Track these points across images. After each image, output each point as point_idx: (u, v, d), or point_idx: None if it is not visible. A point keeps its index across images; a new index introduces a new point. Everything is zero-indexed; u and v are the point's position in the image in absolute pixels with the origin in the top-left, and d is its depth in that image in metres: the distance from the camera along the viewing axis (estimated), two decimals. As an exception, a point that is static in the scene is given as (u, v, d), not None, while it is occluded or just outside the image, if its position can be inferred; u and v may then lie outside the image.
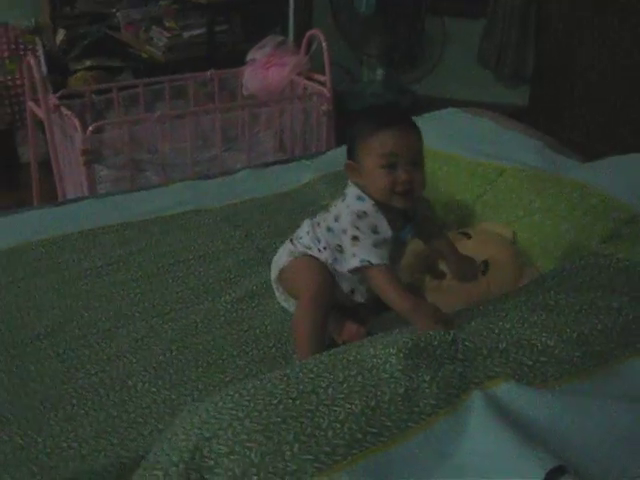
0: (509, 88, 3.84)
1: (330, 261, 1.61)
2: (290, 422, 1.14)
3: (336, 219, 1.57)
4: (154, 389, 1.51)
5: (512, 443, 1.10)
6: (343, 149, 2.73)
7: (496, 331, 1.38)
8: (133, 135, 2.97)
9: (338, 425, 1.13)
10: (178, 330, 1.70)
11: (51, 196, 3.08)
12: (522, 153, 2.34)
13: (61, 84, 4.25)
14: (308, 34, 3.29)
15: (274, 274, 1.73)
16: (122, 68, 4.48)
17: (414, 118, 2.72)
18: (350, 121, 1.60)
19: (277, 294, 1.76)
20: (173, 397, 1.49)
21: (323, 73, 3.23)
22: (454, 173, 2.39)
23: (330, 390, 1.21)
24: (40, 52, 4.26)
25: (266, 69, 3.28)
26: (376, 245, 1.47)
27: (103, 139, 2.84)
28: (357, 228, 1.49)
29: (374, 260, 1.46)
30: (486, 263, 1.78)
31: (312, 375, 1.25)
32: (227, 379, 1.53)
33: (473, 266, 1.69)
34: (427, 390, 1.21)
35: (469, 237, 1.91)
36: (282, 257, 1.71)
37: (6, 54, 4.18)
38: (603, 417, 1.19)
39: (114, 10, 4.48)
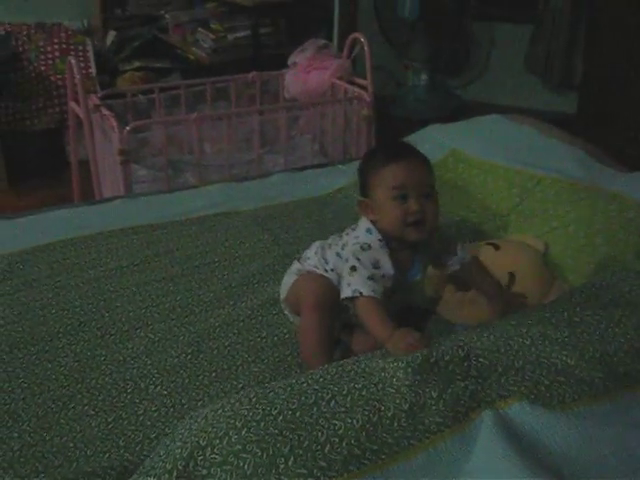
0: (557, 95, 3.74)
1: (336, 283, 1.59)
2: (287, 434, 1.11)
3: (344, 247, 1.59)
4: (165, 392, 1.50)
5: (520, 468, 1.05)
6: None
7: (515, 347, 1.32)
8: (172, 136, 2.98)
9: (336, 440, 1.09)
10: (195, 334, 1.68)
11: (91, 195, 3.11)
12: (561, 162, 2.27)
13: (109, 84, 4.33)
14: (350, 38, 3.26)
15: (282, 295, 1.71)
16: (171, 69, 4.52)
17: (458, 123, 2.76)
18: (363, 157, 1.66)
19: (287, 313, 1.73)
20: (184, 401, 1.47)
21: (366, 77, 3.19)
22: (491, 181, 2.33)
23: (332, 403, 1.17)
24: (90, 53, 4.34)
25: (307, 72, 3.26)
26: (372, 278, 1.46)
27: (140, 139, 2.86)
28: (358, 259, 1.48)
29: (365, 291, 1.44)
30: (512, 275, 1.72)
31: (317, 386, 1.22)
32: (240, 385, 1.51)
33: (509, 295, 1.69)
34: (434, 407, 1.15)
35: (497, 248, 1.85)
36: (290, 277, 1.70)
37: (57, 54, 4.26)
38: (620, 446, 1.12)
39: (163, 12, 4.53)
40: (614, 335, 1.37)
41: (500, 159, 2.37)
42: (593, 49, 3.49)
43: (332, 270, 1.61)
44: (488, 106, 3.42)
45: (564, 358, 1.29)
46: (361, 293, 1.43)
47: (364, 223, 1.56)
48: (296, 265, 1.71)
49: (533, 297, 1.70)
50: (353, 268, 1.47)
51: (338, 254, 1.61)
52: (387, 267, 1.50)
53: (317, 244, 1.70)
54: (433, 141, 2.67)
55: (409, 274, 1.60)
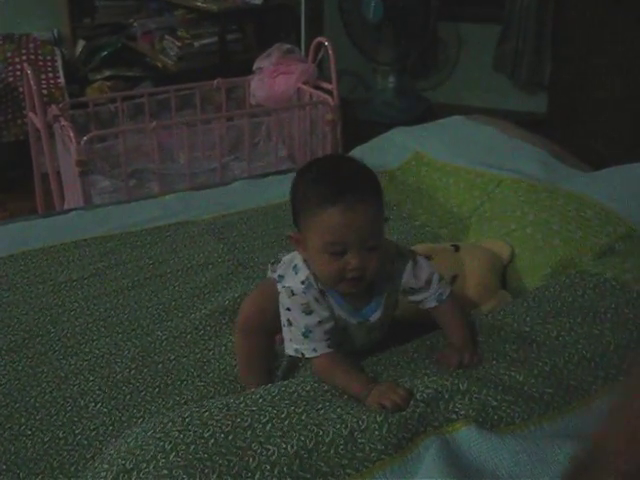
0: (527, 95, 3.72)
1: None
2: (217, 459, 1.06)
3: (280, 280, 1.36)
4: (105, 410, 1.46)
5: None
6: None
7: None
8: (138, 145, 2.94)
9: (268, 467, 1.04)
10: (141, 348, 1.64)
11: (54, 208, 3.07)
12: (523, 163, 2.24)
13: (79, 94, 4.29)
14: (315, 42, 3.23)
15: None
16: (141, 78, 4.48)
17: (421, 125, 2.73)
18: (295, 177, 1.32)
19: None
20: (123, 419, 1.43)
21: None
22: (453, 184, 2.31)
23: (269, 426, 1.12)
24: (59, 62, 4.29)
25: (273, 78, 3.23)
26: (307, 334, 1.26)
27: (102, 149, 2.82)
28: (289, 310, 1.28)
29: (307, 353, 1.27)
30: (454, 277, 1.68)
31: (254, 407, 1.17)
32: (183, 401, 1.46)
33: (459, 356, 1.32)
34: (376, 432, 1.10)
35: (457, 249, 1.82)
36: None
37: (26, 65, 4.19)
38: None
39: (132, 21, 4.49)
40: (564, 345, 1.33)
41: (462, 161, 2.35)
42: (561, 47, 3.48)
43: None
44: (457, 108, 3.39)
45: (512, 374, 1.25)
46: (303, 354, 1.27)
47: (295, 256, 1.34)
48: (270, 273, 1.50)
49: (467, 302, 1.66)
50: (288, 322, 1.29)
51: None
52: (319, 310, 1.27)
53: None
54: (397, 144, 2.65)
55: (365, 311, 1.34)
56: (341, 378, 1.23)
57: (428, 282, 1.36)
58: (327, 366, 1.26)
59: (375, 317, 1.34)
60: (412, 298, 1.38)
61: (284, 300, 1.29)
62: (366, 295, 1.33)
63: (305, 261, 1.30)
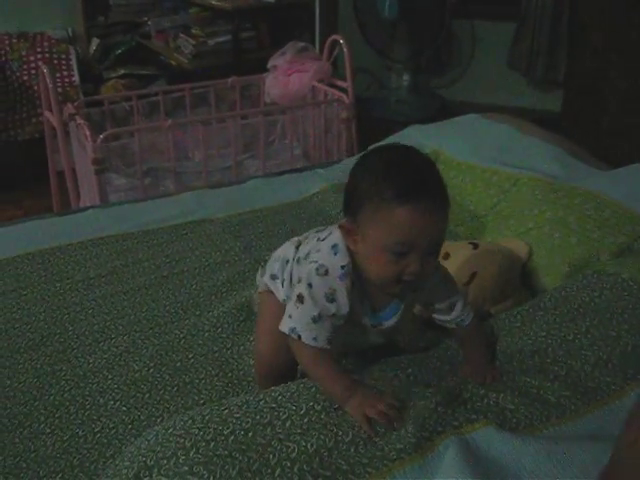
0: (542, 93, 3.70)
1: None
2: (237, 456, 1.06)
3: (307, 257, 1.29)
4: (124, 408, 1.46)
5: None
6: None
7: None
8: (153, 144, 2.95)
9: (288, 463, 1.05)
10: (159, 346, 1.64)
11: (70, 205, 3.08)
12: (540, 161, 2.24)
13: (94, 92, 4.30)
14: (330, 40, 3.22)
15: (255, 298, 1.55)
16: (156, 76, 4.49)
17: (437, 124, 2.72)
18: (356, 165, 1.22)
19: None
20: (142, 418, 1.43)
21: (346, 79, 3.16)
22: (470, 182, 2.30)
23: (288, 423, 1.13)
24: (73, 61, 4.30)
25: (287, 76, 3.23)
26: (317, 320, 1.18)
27: (117, 147, 2.83)
28: (309, 286, 1.19)
29: (304, 338, 1.18)
30: (474, 274, 1.68)
31: (274, 405, 1.17)
32: (201, 401, 1.47)
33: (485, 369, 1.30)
34: (394, 433, 1.10)
35: (475, 247, 1.81)
36: (260, 282, 1.50)
37: (40, 63, 4.20)
38: (594, 466, 1.05)
39: (146, 19, 4.50)
40: (581, 348, 1.33)
41: (478, 159, 2.34)
42: (576, 46, 3.46)
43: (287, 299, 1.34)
44: (472, 105, 3.39)
45: (528, 379, 1.25)
46: (299, 337, 1.19)
47: (336, 236, 1.23)
48: (260, 277, 1.49)
49: (489, 300, 1.67)
50: (300, 298, 1.19)
51: (299, 260, 1.34)
52: (342, 303, 1.19)
53: (283, 251, 1.42)
54: (413, 142, 2.62)
55: (381, 315, 1.28)
56: (325, 377, 1.19)
57: (452, 305, 1.31)
58: (316, 359, 1.20)
59: (389, 324, 1.29)
60: (438, 317, 1.35)
61: (310, 275, 1.19)
62: (387, 298, 1.27)
63: (347, 249, 1.21)
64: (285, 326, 1.21)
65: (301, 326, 1.19)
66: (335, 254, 1.20)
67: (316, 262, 1.20)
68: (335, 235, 1.24)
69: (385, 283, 1.19)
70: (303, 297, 1.19)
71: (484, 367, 1.29)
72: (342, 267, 1.19)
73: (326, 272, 1.19)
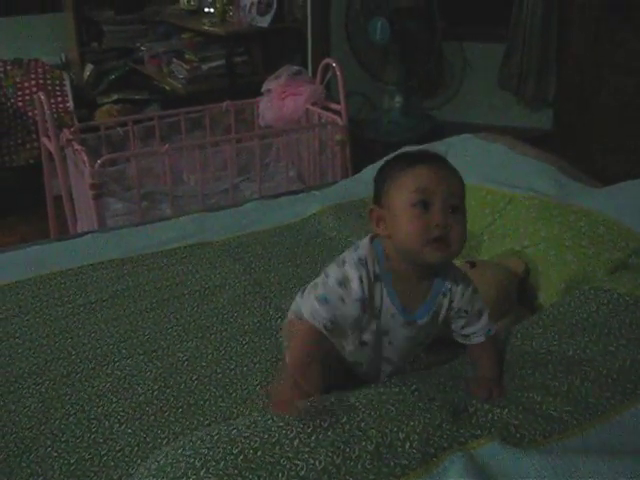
0: (532, 112, 3.75)
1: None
2: (246, 475, 1.08)
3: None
4: (130, 431, 1.47)
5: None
6: (353, 179, 2.74)
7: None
8: (149, 168, 2.97)
9: (297, 481, 1.07)
10: (163, 369, 1.65)
11: (67, 231, 3.09)
12: (533, 179, 2.27)
13: (88, 118, 4.33)
14: (323, 63, 3.27)
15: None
16: (149, 101, 4.54)
17: (430, 144, 2.76)
18: (383, 165, 1.36)
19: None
20: (148, 440, 1.44)
21: (340, 102, 3.20)
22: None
23: (296, 442, 1.14)
24: (67, 87, 4.34)
25: (281, 99, 3.27)
26: (321, 300, 1.25)
27: (114, 172, 2.85)
28: (326, 275, 1.28)
29: (305, 312, 1.26)
30: None
31: (281, 423, 1.18)
32: (207, 422, 1.47)
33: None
34: (399, 448, 1.12)
35: (473, 266, 1.84)
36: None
37: (35, 89, 4.24)
38: (596, 476, 1.08)
39: (139, 44, 4.55)
40: (580, 363, 1.35)
41: (472, 179, 2.34)
42: (565, 64, 3.51)
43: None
44: (463, 126, 3.41)
45: (530, 395, 1.27)
46: (300, 313, 1.28)
47: (360, 243, 1.33)
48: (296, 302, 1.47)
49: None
50: (315, 285, 1.30)
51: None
52: (354, 289, 1.25)
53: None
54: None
55: (415, 314, 1.32)
56: (296, 358, 1.24)
57: (480, 312, 1.37)
58: (303, 338, 1.26)
59: (423, 321, 1.33)
60: (463, 332, 1.38)
61: (331, 268, 1.29)
62: (420, 293, 1.32)
63: (370, 243, 1.31)
64: (294, 305, 1.33)
65: (305, 304, 1.28)
66: (355, 250, 1.30)
67: (338, 259, 1.31)
68: (360, 243, 1.33)
69: (418, 242, 1.23)
70: (317, 284, 1.30)
71: (492, 383, 1.32)
72: (359, 259, 1.28)
73: (343, 263, 1.28)
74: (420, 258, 1.25)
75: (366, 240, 1.32)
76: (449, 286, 1.33)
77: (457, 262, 1.89)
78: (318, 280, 1.34)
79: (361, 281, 1.25)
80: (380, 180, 1.32)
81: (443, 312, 1.35)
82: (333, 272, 1.28)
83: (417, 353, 1.42)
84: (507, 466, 1.10)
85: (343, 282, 1.26)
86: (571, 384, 1.29)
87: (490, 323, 1.38)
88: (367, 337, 1.33)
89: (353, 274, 1.26)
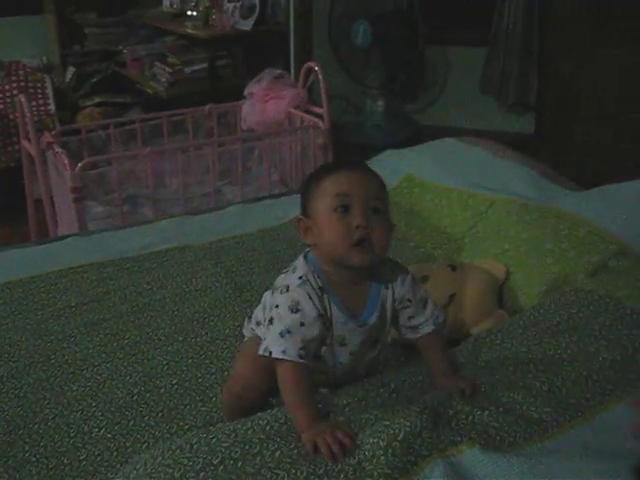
0: (514, 115, 3.77)
1: None
2: (226, 484, 1.07)
3: (273, 291, 1.35)
4: (109, 435, 1.46)
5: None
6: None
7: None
8: (130, 171, 2.95)
9: (278, 492, 1.06)
10: (142, 373, 1.65)
11: (48, 234, 3.07)
12: (515, 183, 2.29)
13: (70, 121, 4.30)
14: (305, 67, 3.27)
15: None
16: (131, 104, 4.51)
17: (413, 148, 2.77)
18: (308, 176, 1.40)
19: None
20: (127, 445, 1.43)
21: (322, 106, 3.20)
22: (446, 205, 2.34)
23: (278, 454, 1.12)
24: (49, 89, 4.30)
25: (264, 102, 3.26)
26: (284, 334, 1.22)
27: (95, 175, 2.83)
28: (277, 307, 1.26)
29: (274, 352, 1.22)
30: (452, 296, 1.72)
31: (262, 436, 1.17)
32: (186, 427, 1.47)
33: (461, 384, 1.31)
34: (382, 458, 1.10)
35: (454, 269, 1.85)
36: (247, 333, 1.55)
37: (15, 92, 4.20)
38: (576, 478, 1.08)
39: (121, 47, 4.53)
40: (561, 364, 1.35)
41: (454, 182, 2.39)
42: (547, 68, 3.53)
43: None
44: (446, 129, 3.44)
45: (511, 395, 1.27)
46: (270, 353, 1.22)
47: (297, 261, 1.34)
48: (247, 325, 1.54)
49: (468, 320, 1.71)
50: (271, 321, 1.26)
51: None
52: (307, 309, 1.24)
53: (263, 301, 1.46)
54: (388, 166, 2.67)
55: (363, 316, 1.33)
56: (295, 400, 1.21)
57: (424, 300, 1.38)
58: (290, 379, 1.22)
59: (372, 320, 1.33)
60: (411, 323, 1.38)
61: (276, 298, 1.28)
62: (361, 296, 1.33)
63: (305, 259, 1.32)
64: (261, 349, 1.25)
65: (271, 343, 1.23)
66: (293, 272, 1.31)
67: (280, 286, 1.29)
68: (296, 262, 1.34)
69: (342, 247, 1.25)
70: (273, 319, 1.26)
71: (457, 378, 1.32)
72: (299, 278, 1.28)
73: (287, 289, 1.27)
74: (347, 262, 1.27)
75: (300, 259, 1.33)
76: (387, 278, 1.34)
77: (439, 265, 1.91)
78: (262, 313, 1.40)
79: (310, 298, 1.26)
80: (304, 191, 1.34)
81: (389, 306, 1.35)
82: (281, 301, 1.26)
83: (373, 356, 1.41)
84: (487, 472, 1.09)
85: (294, 307, 1.25)
86: (552, 384, 1.29)
87: (437, 310, 1.39)
88: (325, 349, 1.33)
89: (300, 295, 1.26)
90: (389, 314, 1.36)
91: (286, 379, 1.23)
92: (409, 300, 1.36)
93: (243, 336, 1.73)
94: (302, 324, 1.24)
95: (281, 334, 1.23)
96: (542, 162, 2.57)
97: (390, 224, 1.31)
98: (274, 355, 1.22)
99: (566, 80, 3.45)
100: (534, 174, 2.35)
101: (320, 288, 1.28)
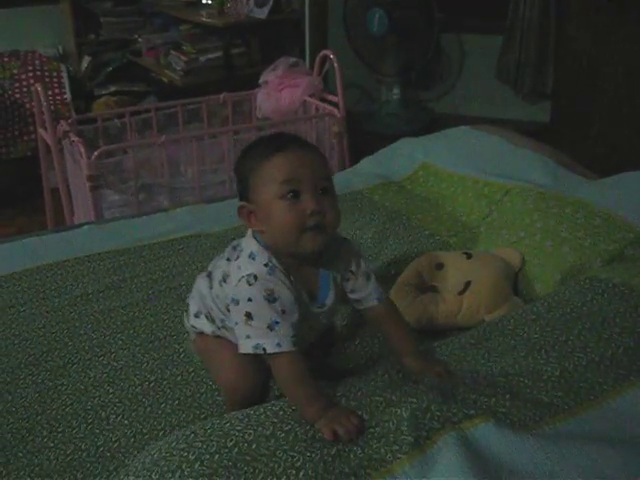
0: (530, 104, 3.74)
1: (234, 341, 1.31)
2: (241, 466, 1.07)
3: (225, 279, 1.32)
4: (126, 422, 1.47)
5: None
6: (351, 171, 2.74)
7: (470, 370, 1.31)
8: (146, 160, 2.96)
9: (293, 471, 1.06)
10: (159, 360, 1.66)
11: (64, 222, 3.09)
12: (530, 171, 2.28)
13: (86, 109, 4.32)
14: (320, 55, 3.26)
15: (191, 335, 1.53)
16: (146, 92, 4.52)
17: (428, 136, 2.76)
18: (241, 158, 1.32)
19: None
20: (145, 431, 1.44)
21: (337, 94, 3.19)
22: (461, 193, 2.34)
23: (291, 436, 1.14)
24: (65, 79, 4.33)
25: (279, 91, 3.26)
26: (273, 326, 1.19)
27: (111, 164, 2.85)
28: (250, 300, 1.20)
29: (269, 348, 1.19)
30: (468, 283, 1.72)
31: (275, 419, 1.18)
32: (203, 415, 1.47)
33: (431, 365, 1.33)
34: (391, 435, 1.11)
35: (469, 257, 1.84)
36: (188, 323, 1.50)
37: (32, 81, 4.23)
38: (589, 464, 1.07)
39: (137, 36, 4.54)
40: (573, 350, 1.35)
41: (469, 171, 2.38)
42: (564, 57, 3.50)
43: (223, 327, 1.39)
44: (461, 118, 3.42)
45: (521, 379, 1.27)
46: (265, 350, 1.19)
47: (247, 245, 1.29)
48: (187, 323, 1.50)
49: (483, 308, 1.71)
50: (248, 315, 1.20)
51: (217, 294, 1.37)
52: (285, 296, 1.21)
53: (197, 287, 1.46)
54: (404, 155, 2.68)
55: (319, 297, 1.32)
56: (299, 392, 1.19)
57: (367, 275, 1.36)
58: (289, 370, 1.21)
59: (330, 300, 1.32)
60: (354, 296, 1.38)
61: (243, 291, 1.21)
62: (314, 277, 1.31)
63: (260, 245, 1.26)
64: (247, 347, 1.21)
65: (262, 339, 1.19)
66: (254, 259, 1.24)
67: (244, 277, 1.22)
68: (246, 244, 1.29)
69: (294, 234, 1.21)
70: (250, 313, 1.20)
71: (432, 362, 1.33)
72: (265, 265, 1.23)
73: (255, 278, 1.21)
74: (297, 248, 1.24)
75: (251, 243, 1.28)
76: (332, 250, 1.33)
77: (454, 253, 1.91)
78: (203, 304, 1.40)
79: (283, 283, 1.22)
80: (242, 175, 1.28)
81: (339, 278, 1.35)
82: (253, 293, 1.20)
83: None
84: (500, 448, 1.09)
85: (270, 296, 1.20)
86: (564, 369, 1.29)
87: (379, 289, 1.38)
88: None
89: (273, 283, 1.21)
90: (340, 286, 1.36)
91: (287, 372, 1.21)
92: (352, 272, 1.36)
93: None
94: (284, 312, 1.21)
95: (270, 327, 1.19)
96: (558, 150, 2.56)
97: (337, 200, 1.27)
98: (270, 351, 1.19)
99: (583, 68, 3.42)
100: (550, 162, 2.34)
101: (286, 269, 1.25)
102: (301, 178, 1.21)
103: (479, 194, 2.28)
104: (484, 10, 3.74)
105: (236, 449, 1.11)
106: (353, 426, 1.12)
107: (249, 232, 1.31)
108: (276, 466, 1.08)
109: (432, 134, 2.80)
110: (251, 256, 1.25)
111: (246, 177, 1.27)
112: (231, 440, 1.13)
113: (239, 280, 1.22)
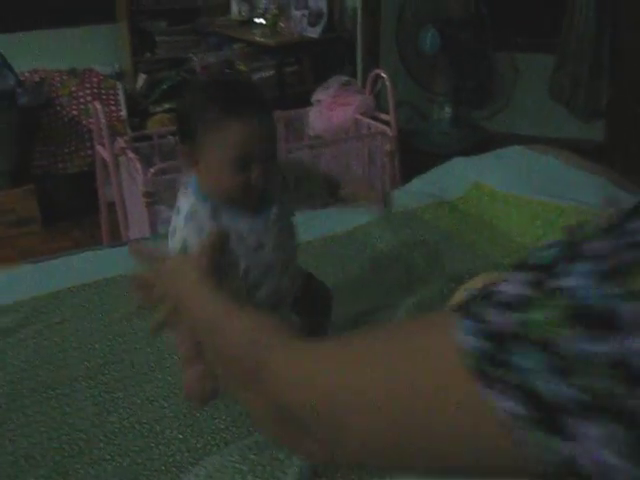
0: (584, 123, 3.70)
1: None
2: (294, 479, 1.09)
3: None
4: (181, 436, 1.49)
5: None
6: (403, 190, 2.74)
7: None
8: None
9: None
10: (213, 375, 1.68)
11: (120, 237, 3.15)
12: (585, 192, 2.26)
13: (140, 126, 4.41)
14: (372, 74, 3.28)
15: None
16: (200, 110, 4.59)
17: (481, 156, 2.75)
18: (187, 90, 1.34)
19: None
20: (199, 446, 1.46)
21: (389, 113, 3.21)
22: (515, 214, 2.33)
23: None
24: (121, 96, 4.43)
25: (330, 109, 3.29)
26: (188, 220, 1.25)
27: (166, 180, 2.89)
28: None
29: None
30: None
31: None
32: (256, 431, 1.48)
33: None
34: None
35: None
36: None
37: (89, 98, 4.34)
38: None
39: (191, 55, 4.62)
40: None
41: (523, 191, 2.37)
42: (619, 75, 3.46)
43: None
44: (513, 137, 3.40)
45: None
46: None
47: (182, 201, 1.31)
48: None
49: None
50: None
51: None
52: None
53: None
54: (457, 174, 2.68)
55: (263, 213, 1.30)
56: None
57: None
58: None
59: (274, 212, 1.30)
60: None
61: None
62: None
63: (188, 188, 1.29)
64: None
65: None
66: (177, 214, 1.31)
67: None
68: (181, 199, 1.32)
69: (234, 196, 1.24)
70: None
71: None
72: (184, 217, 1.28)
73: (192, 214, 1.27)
74: (237, 201, 1.26)
75: (181, 197, 1.32)
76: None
77: (500, 274, 1.89)
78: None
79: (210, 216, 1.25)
80: (186, 119, 1.25)
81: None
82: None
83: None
84: None
85: (201, 229, 1.24)
86: None
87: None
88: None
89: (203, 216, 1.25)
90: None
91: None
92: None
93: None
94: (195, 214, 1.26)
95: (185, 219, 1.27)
96: (614, 170, 2.53)
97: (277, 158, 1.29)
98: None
99: (638, 86, 3.38)
100: (606, 183, 2.31)
101: (214, 209, 1.26)
102: (253, 149, 1.20)
103: (533, 214, 2.26)
104: (537, 28, 3.72)
105: (287, 461, 1.13)
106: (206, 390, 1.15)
107: (183, 190, 1.33)
108: None
109: (485, 154, 2.79)
110: (177, 212, 1.32)
111: (193, 126, 1.23)
112: (283, 452, 1.14)
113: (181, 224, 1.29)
